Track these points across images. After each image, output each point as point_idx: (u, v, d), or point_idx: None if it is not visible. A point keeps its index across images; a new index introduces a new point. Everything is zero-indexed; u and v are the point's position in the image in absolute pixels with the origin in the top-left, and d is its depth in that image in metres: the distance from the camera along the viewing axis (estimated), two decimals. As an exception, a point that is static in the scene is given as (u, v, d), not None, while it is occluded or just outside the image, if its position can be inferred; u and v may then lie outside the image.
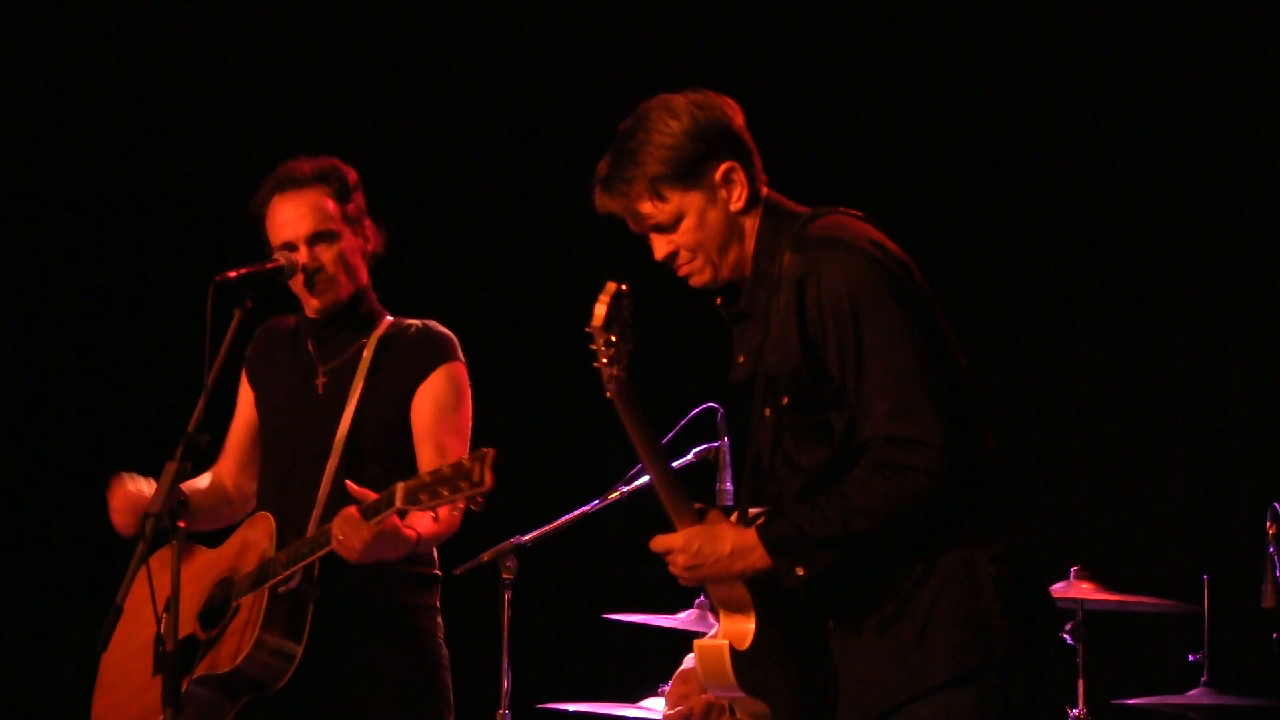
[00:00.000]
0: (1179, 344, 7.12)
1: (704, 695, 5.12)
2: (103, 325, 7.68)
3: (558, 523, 5.60)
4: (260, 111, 7.74)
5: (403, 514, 4.37)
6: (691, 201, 3.71)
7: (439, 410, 4.67)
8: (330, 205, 4.71)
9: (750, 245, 3.75)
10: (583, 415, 7.86)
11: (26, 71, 7.69)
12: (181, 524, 4.22)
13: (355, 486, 4.42)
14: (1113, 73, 7.21)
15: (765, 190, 3.78)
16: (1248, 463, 6.93)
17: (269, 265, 4.67)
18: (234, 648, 4.47)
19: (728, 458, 5.72)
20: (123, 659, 4.69)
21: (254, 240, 4.90)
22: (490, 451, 4.24)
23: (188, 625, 4.56)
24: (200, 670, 4.45)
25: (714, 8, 7.58)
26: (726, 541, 3.64)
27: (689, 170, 3.69)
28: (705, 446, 5.78)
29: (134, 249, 7.75)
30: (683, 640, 6.08)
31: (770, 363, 3.67)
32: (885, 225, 3.78)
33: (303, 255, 4.69)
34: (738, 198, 3.73)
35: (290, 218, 4.71)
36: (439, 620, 4.75)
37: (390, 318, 4.81)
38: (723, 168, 3.71)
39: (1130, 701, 6.35)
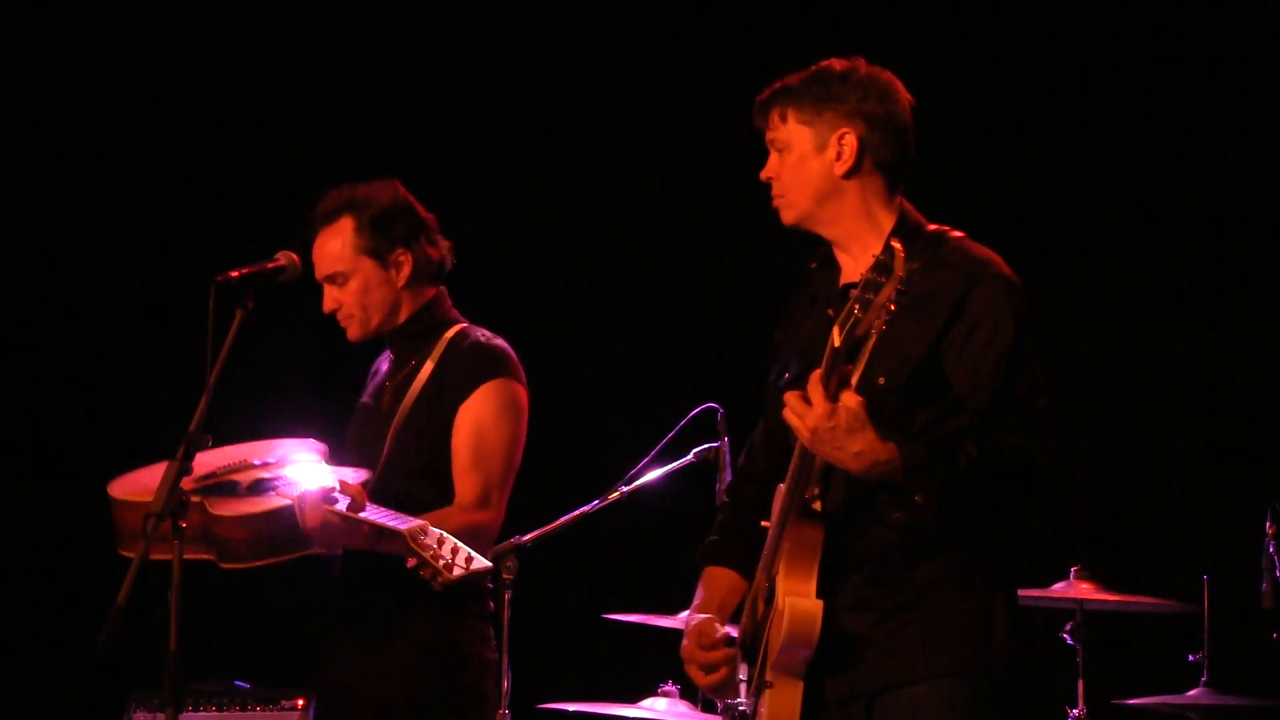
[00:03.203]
0: (1179, 344, 7.11)
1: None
2: (104, 324, 7.67)
3: (558, 523, 5.59)
4: (263, 110, 7.74)
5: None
6: (803, 137, 3.79)
7: (475, 429, 4.74)
8: (348, 241, 4.84)
9: (853, 219, 3.80)
10: (583, 416, 7.85)
11: (26, 71, 7.69)
12: (183, 524, 4.22)
13: (346, 483, 4.53)
14: (1109, 72, 7.21)
15: (899, 197, 3.87)
16: (1248, 463, 6.93)
17: (270, 265, 4.69)
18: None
19: (728, 458, 5.71)
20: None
21: (254, 240, 4.90)
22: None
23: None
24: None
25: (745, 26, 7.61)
26: (863, 439, 3.51)
27: (815, 109, 3.78)
28: (705, 446, 5.76)
29: (135, 248, 7.74)
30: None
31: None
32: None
33: (326, 296, 4.86)
34: (843, 162, 3.78)
35: (314, 260, 4.86)
36: (489, 634, 4.85)
37: (458, 327, 4.88)
38: (842, 130, 3.78)
39: (1130, 701, 6.35)
